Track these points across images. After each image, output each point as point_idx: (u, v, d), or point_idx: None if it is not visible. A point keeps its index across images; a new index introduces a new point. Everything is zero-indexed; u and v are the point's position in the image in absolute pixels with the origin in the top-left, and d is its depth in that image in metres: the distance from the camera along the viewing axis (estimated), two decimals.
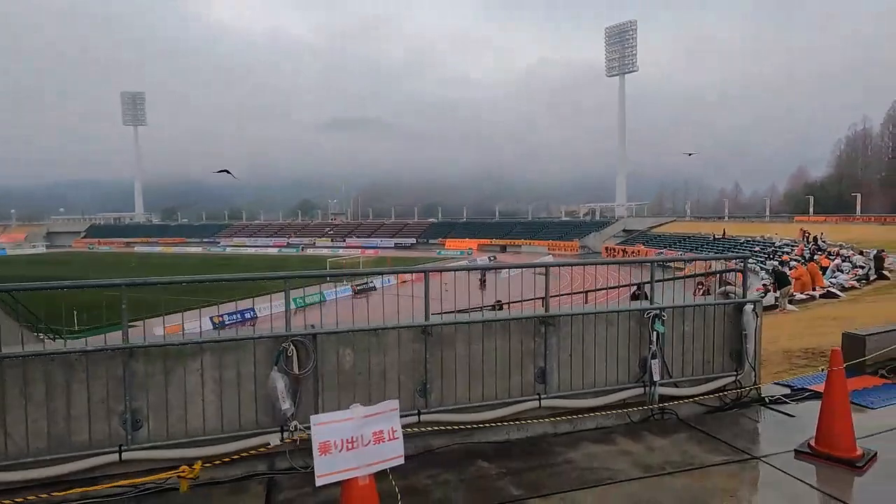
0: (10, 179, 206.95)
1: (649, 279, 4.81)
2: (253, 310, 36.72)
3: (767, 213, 72.37)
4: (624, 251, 70.36)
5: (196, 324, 32.82)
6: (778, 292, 17.66)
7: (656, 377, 4.13)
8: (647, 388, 4.18)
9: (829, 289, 19.75)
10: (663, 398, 4.27)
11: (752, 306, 4.59)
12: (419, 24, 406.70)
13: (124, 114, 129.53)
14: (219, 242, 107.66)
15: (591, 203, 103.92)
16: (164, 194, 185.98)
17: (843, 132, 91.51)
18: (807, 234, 42.08)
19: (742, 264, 5.03)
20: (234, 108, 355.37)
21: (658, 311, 4.25)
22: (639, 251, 67.88)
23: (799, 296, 19.10)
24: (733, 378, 4.57)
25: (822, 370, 5.69)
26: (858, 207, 62.85)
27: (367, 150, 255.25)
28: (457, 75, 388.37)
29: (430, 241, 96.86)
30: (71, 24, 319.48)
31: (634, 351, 4.34)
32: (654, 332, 4.21)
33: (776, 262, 33.56)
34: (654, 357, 4.17)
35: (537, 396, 4.09)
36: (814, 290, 19.97)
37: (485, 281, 50.98)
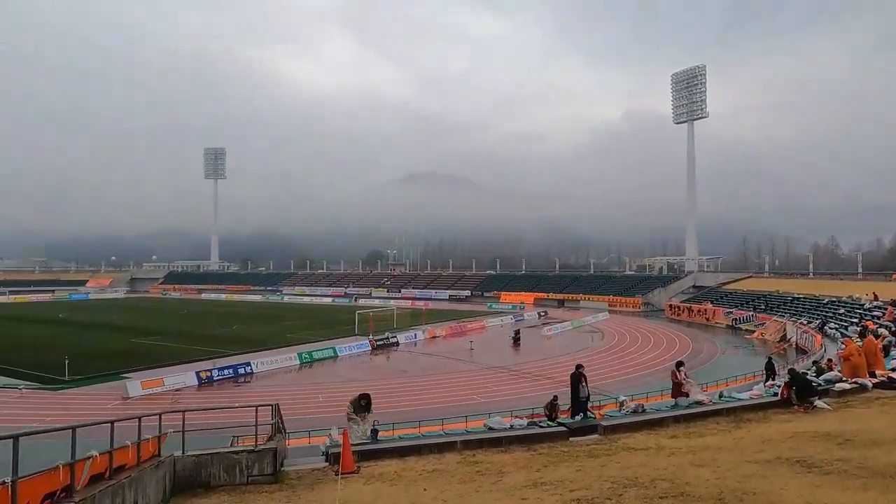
0: (111, 228, 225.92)
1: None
2: (249, 364, 34.45)
3: (860, 270, 62.42)
4: (690, 309, 63.07)
5: (179, 378, 31.08)
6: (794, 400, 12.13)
7: None
8: None
9: (890, 375, 14.34)
10: None
11: None
12: (481, 80, 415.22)
13: (206, 168, 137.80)
14: (280, 291, 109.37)
15: (660, 257, 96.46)
16: (243, 243, 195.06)
17: None
18: (876, 297, 34.72)
19: None
20: (313, 162, 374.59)
21: None
22: (706, 309, 60.52)
23: (841, 384, 13.85)
24: None
25: None
26: None
27: (437, 204, 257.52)
28: (524, 126, 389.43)
29: (485, 293, 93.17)
30: (159, 85, 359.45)
31: None
32: None
33: (804, 369, 27.35)
34: None
35: None
36: (872, 375, 14.61)
37: (518, 339, 46.71)
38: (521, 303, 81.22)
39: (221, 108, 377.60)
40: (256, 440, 7.62)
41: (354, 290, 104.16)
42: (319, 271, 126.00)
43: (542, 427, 11.17)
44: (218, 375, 32.25)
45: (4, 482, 3.45)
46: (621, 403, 19.85)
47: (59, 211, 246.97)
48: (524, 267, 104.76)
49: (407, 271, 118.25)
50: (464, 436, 9.64)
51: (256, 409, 7.82)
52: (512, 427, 10.72)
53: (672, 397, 13.20)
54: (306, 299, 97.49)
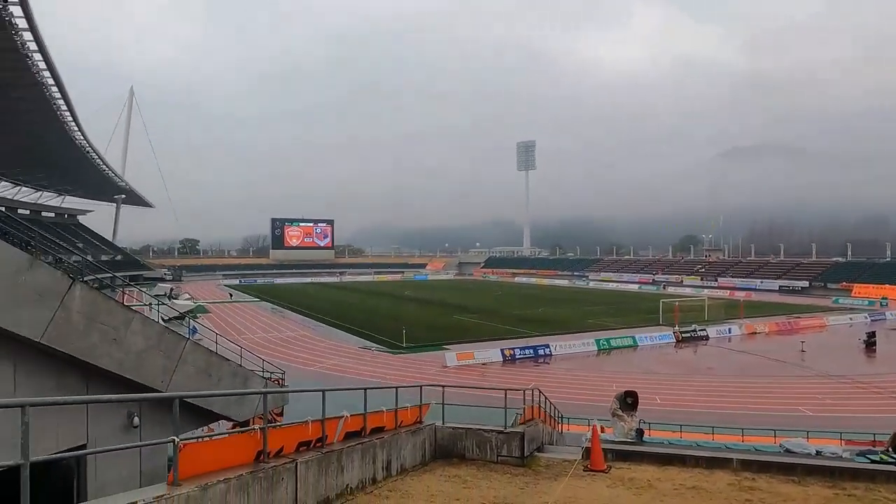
0: (446, 220, 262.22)
1: None
2: (548, 346, 35.94)
3: None
4: None
5: (487, 353, 34.43)
6: None
7: None
8: None
9: None
10: None
11: None
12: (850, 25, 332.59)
13: (518, 161, 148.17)
14: (586, 276, 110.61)
15: None
16: (552, 230, 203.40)
17: None
18: None
19: None
20: (623, 144, 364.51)
21: None
22: None
23: None
24: None
25: None
26: None
27: (767, 180, 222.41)
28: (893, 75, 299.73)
29: (830, 284, 76.78)
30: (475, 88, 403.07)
31: None
32: None
33: None
34: None
35: None
36: None
37: (874, 343, 37.38)
38: (884, 298, 64.49)
39: (532, 101, 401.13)
40: (505, 422, 7.93)
41: (663, 277, 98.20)
42: (626, 257, 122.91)
43: (870, 460, 8.69)
44: (520, 354, 34.54)
45: (255, 430, 4.44)
46: None
47: (410, 207, 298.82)
48: (889, 253, 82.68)
49: (726, 258, 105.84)
50: (745, 453, 8.17)
51: (506, 393, 8.12)
52: (818, 453, 8.65)
53: None
54: (611, 285, 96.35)
